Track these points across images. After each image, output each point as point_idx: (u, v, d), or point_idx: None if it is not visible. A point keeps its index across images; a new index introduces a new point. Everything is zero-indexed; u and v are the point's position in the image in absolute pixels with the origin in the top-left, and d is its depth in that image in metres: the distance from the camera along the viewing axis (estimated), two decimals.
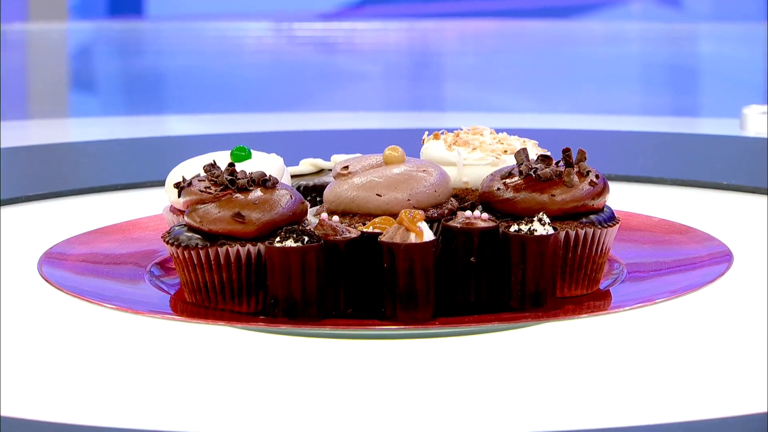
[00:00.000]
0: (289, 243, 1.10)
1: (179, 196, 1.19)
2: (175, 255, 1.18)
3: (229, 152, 1.37)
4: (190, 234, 1.17)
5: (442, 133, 1.42)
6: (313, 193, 1.44)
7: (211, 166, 1.20)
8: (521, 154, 1.23)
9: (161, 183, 1.40)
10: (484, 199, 1.23)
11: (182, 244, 1.16)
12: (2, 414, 0.94)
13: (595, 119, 3.48)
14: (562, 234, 1.18)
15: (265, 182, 1.17)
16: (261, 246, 1.14)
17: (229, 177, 1.17)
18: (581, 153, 1.23)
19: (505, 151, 1.36)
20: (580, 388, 1.02)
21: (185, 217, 1.18)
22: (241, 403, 0.99)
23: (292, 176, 1.48)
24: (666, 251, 1.35)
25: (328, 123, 3.26)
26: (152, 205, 1.62)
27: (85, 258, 1.33)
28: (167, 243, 1.18)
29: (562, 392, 1.01)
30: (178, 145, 2.63)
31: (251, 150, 1.37)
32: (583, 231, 1.19)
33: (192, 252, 1.15)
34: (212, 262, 1.15)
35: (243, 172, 1.18)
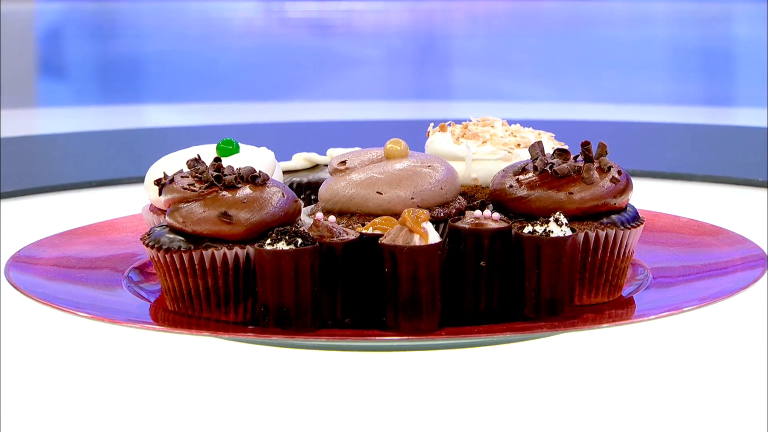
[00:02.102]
0: (281, 245, 1.11)
1: (160, 194, 1.20)
2: (156, 259, 1.19)
3: (214, 146, 1.38)
4: (172, 236, 1.17)
5: (450, 125, 1.43)
6: (307, 190, 1.45)
7: (195, 161, 1.20)
8: (536, 148, 1.24)
9: (140, 180, 1.41)
10: (495, 197, 1.24)
11: (163, 247, 1.17)
12: None
13: (617, 109, 3.48)
14: (581, 236, 1.19)
15: (254, 179, 1.18)
16: (250, 249, 1.15)
17: (215, 173, 1.17)
18: (602, 147, 1.23)
19: (519, 145, 1.37)
20: (600, 405, 1.02)
21: (167, 217, 1.18)
22: (229, 421, 1.00)
23: (285, 172, 1.49)
24: (695, 255, 1.36)
25: (323, 113, 3.27)
26: (130, 204, 1.62)
27: (56, 262, 1.34)
28: (147, 245, 1.19)
29: (580, 410, 1.01)
30: (159, 137, 2.64)
31: (239, 143, 1.38)
32: (604, 232, 1.20)
33: (174, 255, 1.16)
34: (196, 267, 1.16)
35: (230, 167, 1.19)
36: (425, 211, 1.12)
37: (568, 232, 1.14)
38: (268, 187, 1.18)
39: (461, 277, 1.15)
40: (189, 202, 1.16)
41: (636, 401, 1.03)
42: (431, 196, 1.23)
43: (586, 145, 1.22)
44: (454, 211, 1.25)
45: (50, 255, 1.36)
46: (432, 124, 1.45)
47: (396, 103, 3.94)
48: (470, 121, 1.43)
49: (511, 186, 1.22)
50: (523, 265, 1.14)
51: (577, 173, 1.20)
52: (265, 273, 1.11)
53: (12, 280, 1.25)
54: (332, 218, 1.17)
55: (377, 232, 1.16)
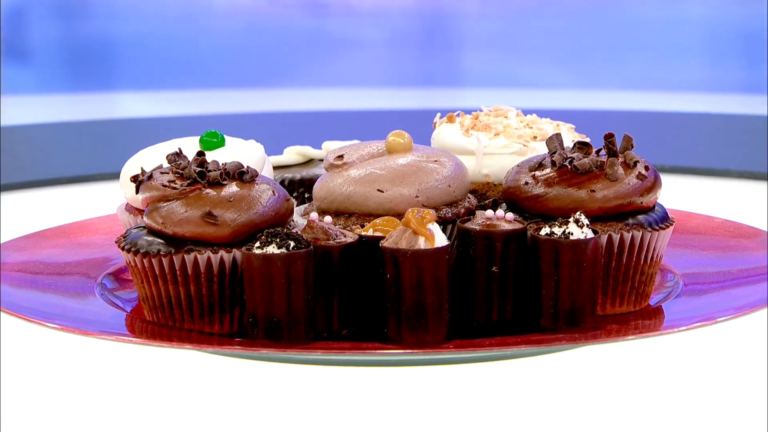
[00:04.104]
0: (272, 249, 1.11)
1: (137, 192, 1.20)
2: (133, 263, 1.19)
3: (197, 138, 1.38)
4: (150, 238, 1.18)
5: (458, 115, 1.43)
6: (300, 188, 1.46)
7: (176, 156, 1.21)
8: (554, 141, 1.24)
9: (115, 176, 1.41)
10: (508, 195, 1.24)
11: (141, 251, 1.17)
12: None
13: (645, 97, 3.48)
14: (604, 238, 1.19)
15: (241, 175, 1.19)
16: (237, 253, 1.15)
17: (198, 169, 1.18)
18: (627, 139, 1.24)
19: (535, 137, 1.38)
20: (624, 426, 1.03)
21: (145, 218, 1.19)
22: None
23: (275, 168, 1.49)
24: (731, 259, 1.36)
25: (318, 102, 3.27)
26: (104, 203, 1.63)
27: (22, 267, 1.35)
28: (123, 249, 1.20)
29: (602, 431, 1.02)
30: (135, 129, 2.64)
31: (225, 136, 1.39)
32: (630, 234, 1.21)
33: (153, 260, 1.17)
34: (177, 273, 1.16)
35: (215, 162, 1.19)
36: (431, 211, 1.12)
37: (590, 234, 1.15)
38: (257, 184, 1.18)
39: (471, 283, 1.16)
40: (169, 200, 1.17)
41: (664, 421, 1.03)
42: (438, 194, 1.24)
43: (609, 138, 1.23)
44: (463, 210, 1.25)
45: (15, 259, 1.37)
46: (439, 115, 1.45)
47: (399, 91, 3.94)
48: (481, 110, 1.44)
49: (526, 183, 1.22)
50: (539, 271, 1.15)
51: (600, 169, 1.21)
52: (254, 279, 1.11)
53: None
54: (328, 219, 1.17)
55: (378, 234, 1.16)
